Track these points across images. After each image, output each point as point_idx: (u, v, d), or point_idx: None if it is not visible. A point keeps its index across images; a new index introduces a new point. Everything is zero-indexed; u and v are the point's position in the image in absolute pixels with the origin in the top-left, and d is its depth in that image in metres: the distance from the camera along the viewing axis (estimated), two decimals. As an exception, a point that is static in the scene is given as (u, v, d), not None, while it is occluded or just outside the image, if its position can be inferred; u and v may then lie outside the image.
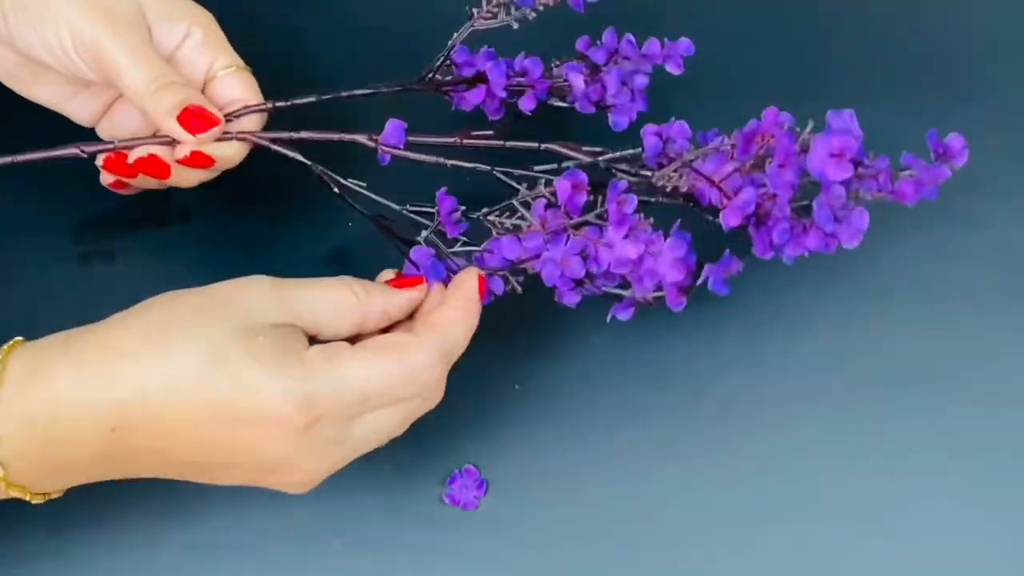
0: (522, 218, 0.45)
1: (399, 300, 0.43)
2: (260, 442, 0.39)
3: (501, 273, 0.45)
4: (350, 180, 0.47)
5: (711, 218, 0.44)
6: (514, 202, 0.45)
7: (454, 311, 0.43)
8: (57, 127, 0.50)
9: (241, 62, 0.48)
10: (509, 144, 0.47)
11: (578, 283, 0.45)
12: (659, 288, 0.44)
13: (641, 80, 0.49)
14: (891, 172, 0.43)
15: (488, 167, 0.47)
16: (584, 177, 0.43)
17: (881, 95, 0.57)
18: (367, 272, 0.54)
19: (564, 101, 0.49)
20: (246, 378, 0.38)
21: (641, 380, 0.52)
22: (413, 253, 0.45)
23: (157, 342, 0.39)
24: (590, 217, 0.44)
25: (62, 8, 0.45)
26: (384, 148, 0.47)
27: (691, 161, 0.43)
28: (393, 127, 0.47)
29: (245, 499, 0.49)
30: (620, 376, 0.52)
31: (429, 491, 0.49)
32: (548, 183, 0.44)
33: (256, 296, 0.41)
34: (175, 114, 0.45)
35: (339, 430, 0.40)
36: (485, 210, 0.46)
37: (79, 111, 0.50)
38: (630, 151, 0.46)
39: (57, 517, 0.48)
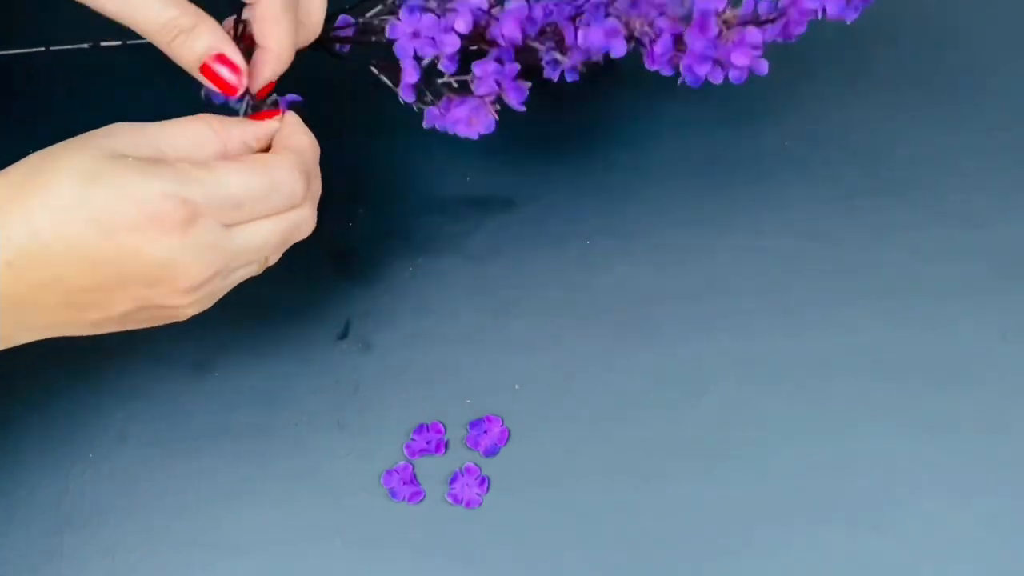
0: None
1: (256, 130, 0.45)
2: (144, 245, 0.40)
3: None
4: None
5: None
6: None
7: (307, 136, 0.46)
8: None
9: None
10: None
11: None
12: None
13: None
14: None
15: None
16: None
17: (881, 95, 0.57)
18: (369, 272, 0.54)
19: None
20: (121, 186, 0.40)
21: (640, 379, 0.52)
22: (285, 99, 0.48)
23: (30, 181, 0.40)
24: None
25: None
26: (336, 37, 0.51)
27: None
28: (343, 21, 0.50)
29: (245, 499, 0.49)
30: (619, 375, 0.52)
31: (430, 491, 0.49)
32: None
33: (118, 134, 0.42)
34: (198, 68, 0.45)
35: (218, 234, 0.41)
36: None
37: None
38: None
39: (57, 517, 0.48)
